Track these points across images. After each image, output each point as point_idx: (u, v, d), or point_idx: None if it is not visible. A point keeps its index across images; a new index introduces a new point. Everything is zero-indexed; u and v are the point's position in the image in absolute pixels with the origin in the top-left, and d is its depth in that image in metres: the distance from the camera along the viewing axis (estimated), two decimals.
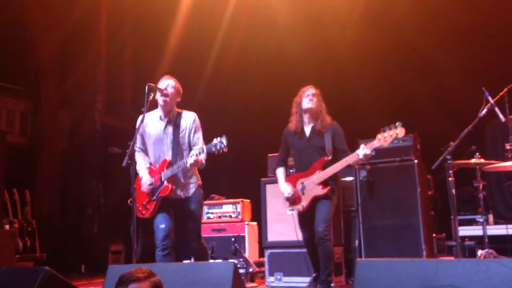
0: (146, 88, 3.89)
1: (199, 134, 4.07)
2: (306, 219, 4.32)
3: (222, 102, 8.48)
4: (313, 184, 4.17)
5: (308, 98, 4.27)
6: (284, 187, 4.35)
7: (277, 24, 7.88)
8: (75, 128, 8.87)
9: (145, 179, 4.05)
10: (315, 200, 4.19)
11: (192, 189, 4.08)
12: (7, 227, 6.10)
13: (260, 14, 7.98)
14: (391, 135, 3.88)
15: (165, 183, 3.97)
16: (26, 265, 5.91)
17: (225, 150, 3.68)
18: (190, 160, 3.78)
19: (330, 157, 4.14)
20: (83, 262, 7.80)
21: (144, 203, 4.05)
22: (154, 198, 4.00)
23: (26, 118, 8.41)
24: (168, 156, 4.04)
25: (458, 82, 6.56)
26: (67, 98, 8.69)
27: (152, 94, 3.92)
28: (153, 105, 4.11)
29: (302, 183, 4.24)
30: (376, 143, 3.96)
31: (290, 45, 7.78)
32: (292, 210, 4.34)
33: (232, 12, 8.14)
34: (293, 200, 4.31)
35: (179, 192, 4.05)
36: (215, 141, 3.72)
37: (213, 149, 3.71)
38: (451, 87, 6.68)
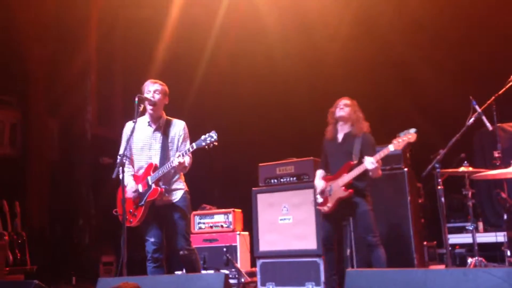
0: (136, 99, 3.89)
1: (187, 143, 4.06)
2: (329, 220, 4.42)
3: (212, 111, 8.49)
4: (338, 186, 4.32)
5: (339, 108, 4.48)
6: (318, 182, 4.52)
7: (266, 34, 7.92)
8: (65, 138, 8.82)
9: (130, 186, 3.99)
10: (341, 202, 4.28)
11: (178, 194, 4.04)
12: None
13: (249, 24, 8.02)
14: (404, 140, 4.09)
15: (153, 186, 3.92)
16: (17, 278, 5.85)
17: (216, 143, 3.71)
18: (176, 161, 3.77)
19: (355, 162, 4.28)
20: (74, 273, 7.73)
21: (131, 211, 3.97)
22: (142, 203, 3.94)
23: (16, 128, 8.36)
24: (156, 161, 4.00)
25: (445, 91, 6.63)
26: (57, 109, 8.65)
27: (142, 106, 3.93)
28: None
29: (330, 185, 4.40)
30: (391, 148, 4.13)
31: (279, 55, 7.83)
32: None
33: (222, 22, 8.17)
34: (321, 203, 4.44)
35: (167, 197, 4.00)
36: (203, 136, 3.73)
37: (203, 143, 3.72)
38: (439, 96, 6.75)
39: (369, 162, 4.11)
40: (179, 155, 3.79)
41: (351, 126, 4.44)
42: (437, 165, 4.04)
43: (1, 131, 8.12)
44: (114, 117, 9.14)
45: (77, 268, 7.78)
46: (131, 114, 4.14)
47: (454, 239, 5.76)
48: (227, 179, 8.16)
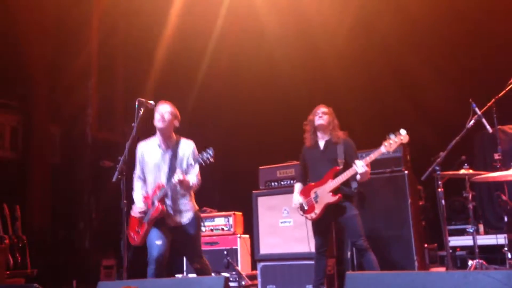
0: (136, 103, 3.92)
1: (195, 169, 4.11)
2: (320, 226, 4.43)
3: (213, 114, 8.49)
4: (325, 192, 4.33)
5: (318, 116, 4.50)
6: (296, 198, 4.53)
7: (266, 37, 7.94)
8: (66, 142, 8.83)
9: (138, 205, 4.09)
10: (329, 208, 4.30)
11: (189, 214, 4.12)
12: None
13: (249, 27, 8.03)
14: (396, 141, 4.11)
15: (156, 204, 3.99)
16: (17, 282, 5.84)
17: (212, 160, 3.80)
18: (176, 177, 3.86)
19: (341, 167, 4.32)
20: (74, 277, 7.71)
21: (136, 229, 4.09)
22: (146, 220, 4.02)
23: (17, 132, 8.36)
24: (163, 181, 4.06)
25: (446, 93, 6.63)
26: (58, 112, 8.66)
27: (142, 109, 3.95)
28: (151, 128, 4.14)
29: (315, 192, 4.40)
30: (383, 149, 4.14)
31: (279, 58, 7.83)
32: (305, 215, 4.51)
33: (222, 24, 8.19)
34: (306, 209, 4.44)
35: (177, 218, 4.08)
36: (201, 154, 3.82)
37: (200, 160, 3.81)
38: (439, 98, 6.74)
39: (360, 166, 4.13)
40: (178, 173, 3.88)
41: (330, 134, 4.47)
42: (437, 168, 4.05)
43: (2, 134, 8.13)
44: (114, 120, 9.15)
45: (77, 272, 7.78)
46: (132, 117, 4.17)
47: (454, 241, 5.76)
48: (227, 182, 8.16)
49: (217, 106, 8.47)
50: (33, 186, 8.13)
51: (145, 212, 4.05)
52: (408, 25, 6.94)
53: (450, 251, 4.50)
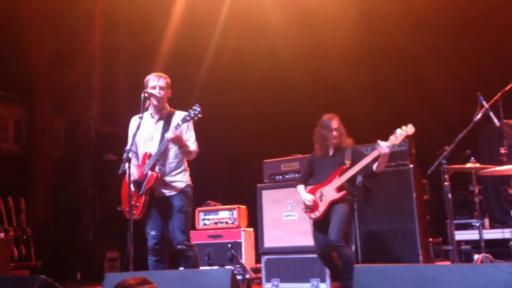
0: (142, 95, 3.90)
1: (192, 133, 4.03)
2: (320, 227, 4.41)
3: (216, 107, 8.46)
4: (330, 190, 4.33)
5: (331, 134, 4.46)
6: (306, 195, 4.49)
7: (270, 29, 7.91)
8: (69, 135, 8.84)
9: (133, 176, 3.96)
10: (331, 206, 4.31)
11: (179, 186, 4.02)
12: (2, 235, 6.06)
13: (253, 19, 8.00)
14: (402, 134, 4.13)
15: (149, 173, 3.91)
16: (21, 274, 5.87)
17: (200, 115, 3.75)
18: (168, 134, 3.78)
19: (347, 166, 4.32)
20: (78, 269, 7.75)
21: (132, 203, 3.92)
22: (142, 192, 3.92)
23: (21, 125, 8.37)
24: (153, 151, 3.98)
25: (452, 87, 6.61)
26: (61, 105, 8.66)
27: (148, 102, 3.94)
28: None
29: (320, 191, 4.41)
30: (389, 143, 4.15)
31: (283, 51, 7.80)
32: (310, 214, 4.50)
33: (226, 17, 8.16)
34: (311, 208, 4.43)
35: (165, 189, 3.99)
36: (188, 111, 3.78)
37: (188, 118, 3.76)
38: (445, 92, 6.72)
39: (384, 146, 4.11)
40: (170, 130, 3.80)
41: (339, 141, 4.48)
42: (444, 161, 4.03)
43: (6, 128, 8.13)
44: (118, 114, 9.14)
45: (81, 264, 7.80)
46: (135, 110, 4.16)
47: (459, 235, 5.75)
48: (231, 175, 8.16)
49: (221, 99, 8.46)
50: (37, 179, 8.14)
51: (138, 184, 3.96)
52: (413, 16, 6.90)
53: (456, 245, 4.48)
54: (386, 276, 2.48)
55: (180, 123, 3.80)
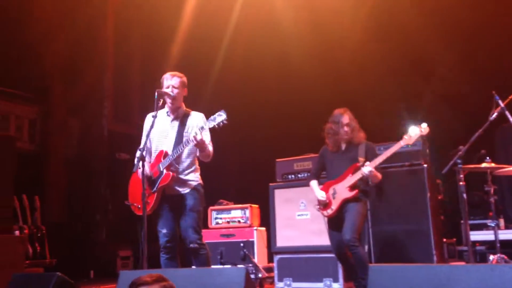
0: (156, 94, 3.91)
1: (207, 132, 4.00)
2: (334, 226, 4.39)
3: (228, 108, 8.44)
4: (343, 188, 4.30)
5: (343, 130, 4.41)
6: (319, 192, 4.46)
7: (281, 30, 7.91)
8: (83, 134, 8.91)
9: (147, 171, 3.96)
10: (344, 205, 4.29)
11: (191, 185, 4.01)
12: (17, 233, 6.12)
13: (264, 21, 8.01)
14: (416, 134, 4.10)
15: (165, 171, 3.91)
16: (36, 271, 5.91)
17: (226, 122, 3.66)
18: (193, 134, 3.73)
19: (361, 164, 4.27)
20: (92, 267, 7.81)
21: (146, 200, 3.90)
22: (155, 189, 3.92)
23: (35, 124, 8.46)
24: (169, 149, 3.98)
25: (467, 86, 6.54)
26: (75, 105, 8.73)
27: (162, 100, 3.95)
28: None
29: (333, 188, 4.38)
30: (402, 143, 4.15)
31: (294, 51, 7.80)
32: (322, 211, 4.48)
33: (237, 17, 8.18)
34: (324, 205, 4.42)
35: (177, 187, 3.99)
36: (212, 116, 3.69)
37: (213, 123, 3.68)
38: (459, 91, 6.65)
39: (367, 170, 4.13)
40: (195, 131, 3.75)
41: (352, 136, 4.43)
42: (459, 161, 3.99)
43: (20, 127, 8.22)
44: (131, 113, 9.21)
45: (95, 263, 7.87)
46: (148, 109, 4.17)
47: (474, 236, 5.68)
48: (244, 174, 8.17)
49: (232, 99, 8.46)
50: (51, 178, 8.23)
51: (150, 181, 3.95)
52: (427, 14, 6.83)
53: (471, 245, 4.44)
54: (401, 276, 2.46)
55: (205, 127, 3.74)
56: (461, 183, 4.06)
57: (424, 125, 4.13)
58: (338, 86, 7.46)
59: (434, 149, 5.49)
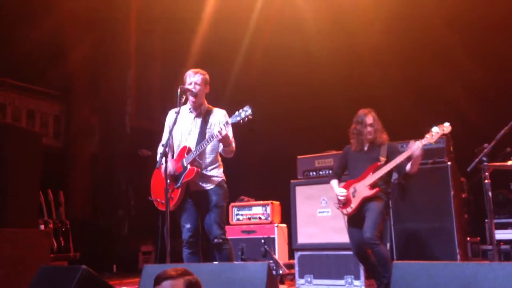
0: (179, 90, 3.93)
1: (230, 128, 4.01)
2: (354, 225, 4.38)
3: (250, 104, 8.49)
4: (363, 186, 4.30)
5: (366, 130, 4.41)
6: (339, 190, 4.48)
7: (303, 27, 7.89)
8: (105, 131, 9.03)
9: (170, 167, 3.96)
10: (364, 203, 4.28)
11: (215, 181, 4.04)
12: (42, 227, 6.25)
13: (285, 18, 8.00)
14: (438, 132, 4.08)
15: (189, 167, 3.94)
16: (61, 264, 6.03)
17: (251, 117, 3.69)
18: (217, 129, 3.77)
19: (382, 163, 4.27)
20: (114, 262, 7.92)
21: (169, 195, 3.93)
22: (178, 185, 3.94)
23: (59, 121, 8.61)
24: (192, 146, 4.01)
25: (493, 82, 6.42)
26: (98, 102, 8.86)
27: (184, 97, 3.97)
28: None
29: (354, 187, 4.38)
30: (425, 141, 4.11)
31: (316, 48, 7.77)
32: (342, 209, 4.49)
33: (258, 16, 8.19)
34: (344, 203, 4.42)
35: (201, 183, 4.01)
36: (237, 112, 3.73)
37: (238, 118, 3.72)
38: (485, 87, 6.54)
39: (416, 146, 4.07)
40: (221, 126, 3.78)
41: (375, 137, 4.42)
42: (484, 159, 3.93)
43: (46, 123, 8.38)
44: (153, 109, 9.30)
45: (117, 257, 7.98)
46: (169, 106, 4.21)
47: (498, 235, 5.60)
48: (265, 171, 8.17)
49: (253, 96, 8.48)
50: (75, 174, 8.37)
51: (174, 177, 3.98)
52: (451, 7, 6.71)
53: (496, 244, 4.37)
54: (426, 273, 2.44)
55: (230, 122, 3.78)
56: (486, 181, 3.99)
57: (447, 124, 4.10)
58: (360, 83, 7.42)
59: (459, 147, 5.42)
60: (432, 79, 7.01)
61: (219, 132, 3.76)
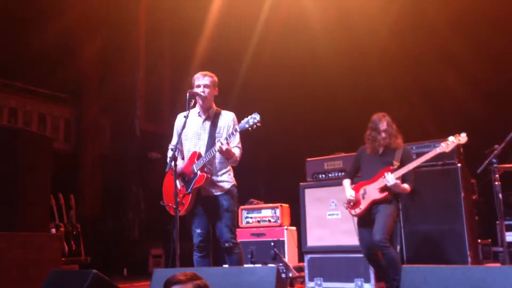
0: (187, 94, 3.94)
1: (237, 134, 4.01)
2: (364, 227, 4.38)
3: (257, 107, 8.45)
4: (373, 189, 4.31)
5: (381, 136, 4.43)
6: (349, 191, 4.50)
7: (310, 29, 7.90)
8: (115, 134, 9.09)
9: (179, 168, 3.99)
10: (374, 206, 4.29)
11: (225, 186, 4.05)
12: (53, 231, 6.30)
13: (293, 21, 8.02)
14: (453, 142, 4.14)
15: (199, 173, 3.95)
16: (72, 268, 6.07)
17: (259, 124, 3.70)
18: (218, 145, 3.78)
19: (395, 167, 4.28)
20: (125, 265, 7.96)
21: (178, 200, 3.92)
22: (189, 190, 3.96)
23: (70, 124, 8.68)
24: (202, 150, 4.02)
25: (503, 83, 6.38)
26: (107, 105, 8.92)
27: (193, 101, 3.99)
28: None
29: (364, 189, 4.40)
30: (438, 150, 4.18)
31: (323, 49, 7.78)
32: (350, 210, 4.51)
33: (266, 17, 8.21)
34: (353, 204, 4.44)
35: (212, 189, 4.03)
36: (246, 118, 3.73)
37: (246, 126, 3.73)
38: (493, 89, 6.50)
39: (390, 179, 4.15)
40: (221, 140, 3.80)
41: (391, 141, 4.42)
42: (494, 160, 3.90)
43: (57, 126, 8.45)
44: (162, 113, 9.35)
45: (127, 260, 8.01)
46: (179, 109, 4.22)
47: (509, 237, 5.56)
48: (274, 174, 8.19)
49: (261, 98, 8.50)
50: (85, 177, 8.43)
51: (185, 182, 4.00)
52: (457, 10, 6.69)
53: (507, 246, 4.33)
54: (436, 277, 2.43)
55: (238, 129, 3.80)
56: (496, 183, 3.96)
57: (463, 135, 4.15)
58: (367, 84, 7.41)
59: (469, 148, 5.38)
60: (440, 80, 6.99)
61: (220, 147, 3.78)
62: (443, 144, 4.14)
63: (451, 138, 4.14)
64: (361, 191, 4.40)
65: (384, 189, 4.25)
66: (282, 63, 8.26)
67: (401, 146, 4.40)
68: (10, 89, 7.90)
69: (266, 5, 8.15)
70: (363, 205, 4.34)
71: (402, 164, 4.28)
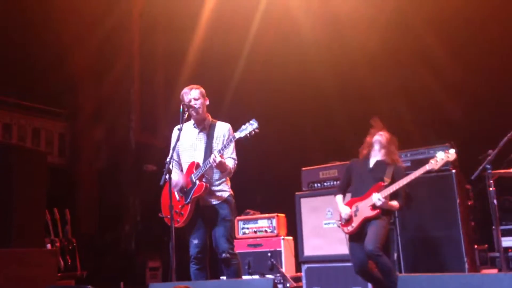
0: (181, 107, 3.96)
1: (232, 144, 4.04)
2: (356, 243, 4.38)
3: (252, 116, 8.50)
4: (365, 206, 4.32)
5: (378, 134, 4.54)
6: (343, 208, 4.49)
7: (300, 39, 7.93)
8: (110, 147, 9.06)
9: (178, 180, 4.02)
10: (366, 222, 4.30)
11: (223, 195, 4.07)
12: (48, 246, 6.26)
13: (283, 29, 8.06)
14: (442, 159, 4.18)
15: (198, 182, 3.97)
16: (68, 284, 6.03)
17: (257, 131, 3.70)
18: (211, 157, 3.80)
19: (386, 184, 4.30)
20: (121, 279, 7.90)
21: (176, 211, 4.00)
22: (188, 201, 3.97)
23: (64, 138, 8.66)
24: (199, 160, 4.04)
25: (496, 88, 6.41)
26: (102, 118, 8.90)
27: (187, 113, 4.00)
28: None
29: (356, 205, 4.40)
30: (427, 167, 4.21)
31: (313, 59, 7.80)
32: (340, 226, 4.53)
33: (257, 28, 8.25)
34: (346, 222, 4.44)
35: (210, 198, 4.04)
36: (243, 126, 3.74)
37: (245, 133, 3.73)
38: (484, 94, 6.53)
39: (376, 199, 4.18)
40: (214, 153, 3.83)
41: (384, 156, 4.46)
42: (488, 166, 3.92)
43: (51, 141, 8.43)
44: (157, 124, 9.33)
45: (124, 274, 7.95)
46: (174, 121, 4.24)
47: (506, 242, 5.55)
48: (270, 184, 8.16)
49: (254, 107, 8.48)
50: (81, 191, 8.39)
51: (184, 192, 4.01)
52: (446, 20, 6.74)
53: (503, 252, 4.34)
54: (432, 285, 2.43)
55: (236, 137, 3.81)
56: (490, 188, 3.97)
57: (452, 151, 4.20)
58: (357, 92, 7.43)
59: (463, 153, 5.40)
60: (430, 87, 7.00)
61: (213, 159, 3.79)
62: (432, 161, 4.19)
63: (439, 155, 4.18)
64: (354, 208, 4.40)
65: (375, 206, 4.27)
66: (273, 73, 8.24)
67: (394, 163, 4.42)
68: (3, 105, 7.89)
69: (257, 17, 8.20)
70: (355, 222, 4.36)
71: (393, 181, 4.29)
